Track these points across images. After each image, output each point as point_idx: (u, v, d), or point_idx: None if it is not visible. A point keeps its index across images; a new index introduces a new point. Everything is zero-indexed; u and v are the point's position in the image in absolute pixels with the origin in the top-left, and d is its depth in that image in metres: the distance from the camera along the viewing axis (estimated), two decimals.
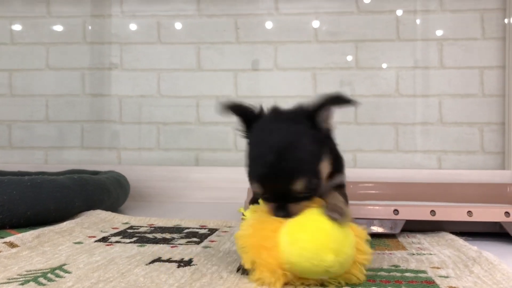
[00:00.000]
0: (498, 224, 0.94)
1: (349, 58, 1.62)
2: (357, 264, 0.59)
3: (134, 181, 1.54)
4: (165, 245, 0.84)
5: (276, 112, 0.64)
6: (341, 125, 1.60)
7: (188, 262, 0.71)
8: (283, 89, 1.63)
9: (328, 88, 1.61)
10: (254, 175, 0.60)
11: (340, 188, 0.67)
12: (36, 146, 1.74)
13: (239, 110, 0.64)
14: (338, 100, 0.61)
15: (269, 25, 1.66)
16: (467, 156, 1.56)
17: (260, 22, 1.66)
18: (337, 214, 0.57)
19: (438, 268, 0.69)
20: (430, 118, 1.59)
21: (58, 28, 1.74)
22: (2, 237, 0.87)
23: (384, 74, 1.61)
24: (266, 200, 0.61)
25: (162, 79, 1.70)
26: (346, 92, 1.60)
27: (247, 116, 0.64)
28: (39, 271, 0.65)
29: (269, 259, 0.57)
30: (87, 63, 1.73)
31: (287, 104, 1.78)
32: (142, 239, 0.89)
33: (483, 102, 1.56)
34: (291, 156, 0.57)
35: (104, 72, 1.72)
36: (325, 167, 0.60)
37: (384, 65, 1.60)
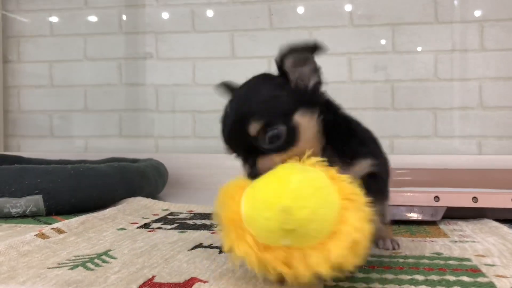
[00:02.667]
0: None
1: (385, 42, 1.58)
2: (341, 238, 0.46)
3: (171, 168, 1.56)
4: (205, 231, 0.86)
5: (254, 76, 0.60)
6: (378, 110, 1.57)
7: None
8: None
9: (364, 73, 1.59)
10: (222, 137, 0.55)
11: (372, 179, 0.60)
12: (76, 135, 1.78)
13: (229, 86, 0.64)
14: (301, 48, 0.56)
15: (302, 10, 1.64)
16: (509, 141, 1.51)
17: (293, 8, 1.65)
18: None
19: (483, 256, 0.67)
20: (470, 102, 1.54)
21: (94, 18, 1.77)
22: (49, 223, 0.90)
23: (421, 58, 1.57)
24: (240, 161, 0.55)
25: (196, 67, 1.71)
26: (381, 76, 1.58)
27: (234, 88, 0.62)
28: (86, 257, 0.67)
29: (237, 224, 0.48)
30: (123, 53, 1.76)
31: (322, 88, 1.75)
32: (183, 226, 0.91)
33: None
34: (248, 101, 0.53)
35: (140, 61, 1.75)
36: (306, 121, 0.53)
37: (421, 49, 1.56)
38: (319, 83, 0.57)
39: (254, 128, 0.51)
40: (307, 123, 0.53)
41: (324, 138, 0.56)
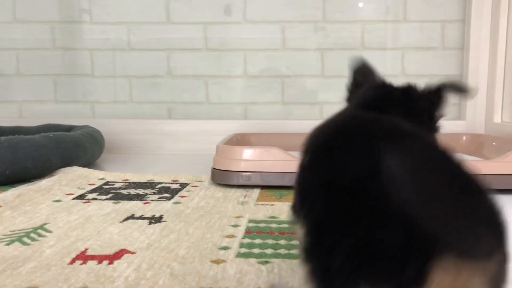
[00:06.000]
0: None
1: (316, 11, 1.65)
2: None
3: (108, 134, 1.59)
4: (138, 201, 0.92)
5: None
6: (310, 78, 1.66)
7: (159, 219, 0.79)
8: (252, 42, 1.67)
9: (297, 41, 1.65)
10: None
11: None
12: (10, 100, 1.76)
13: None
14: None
15: None
16: None
17: None
18: None
19: None
20: (394, 71, 1.66)
21: None
22: None
23: (350, 28, 1.65)
24: None
25: (131, 32, 1.71)
26: (320, 40, 1.66)
27: None
28: (22, 231, 0.72)
29: None
30: (57, 16, 1.72)
31: (256, 56, 1.79)
32: (117, 196, 0.96)
33: (444, 55, 1.63)
34: None
35: (74, 25, 1.72)
36: None
37: (350, 19, 1.64)
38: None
39: None
40: None
41: None
